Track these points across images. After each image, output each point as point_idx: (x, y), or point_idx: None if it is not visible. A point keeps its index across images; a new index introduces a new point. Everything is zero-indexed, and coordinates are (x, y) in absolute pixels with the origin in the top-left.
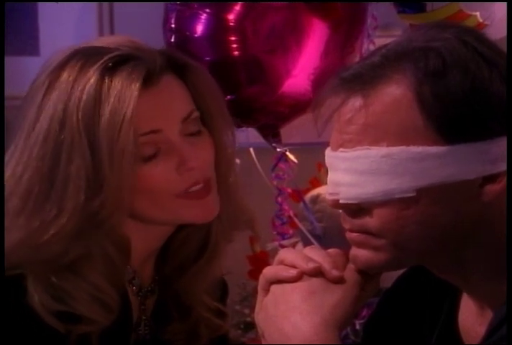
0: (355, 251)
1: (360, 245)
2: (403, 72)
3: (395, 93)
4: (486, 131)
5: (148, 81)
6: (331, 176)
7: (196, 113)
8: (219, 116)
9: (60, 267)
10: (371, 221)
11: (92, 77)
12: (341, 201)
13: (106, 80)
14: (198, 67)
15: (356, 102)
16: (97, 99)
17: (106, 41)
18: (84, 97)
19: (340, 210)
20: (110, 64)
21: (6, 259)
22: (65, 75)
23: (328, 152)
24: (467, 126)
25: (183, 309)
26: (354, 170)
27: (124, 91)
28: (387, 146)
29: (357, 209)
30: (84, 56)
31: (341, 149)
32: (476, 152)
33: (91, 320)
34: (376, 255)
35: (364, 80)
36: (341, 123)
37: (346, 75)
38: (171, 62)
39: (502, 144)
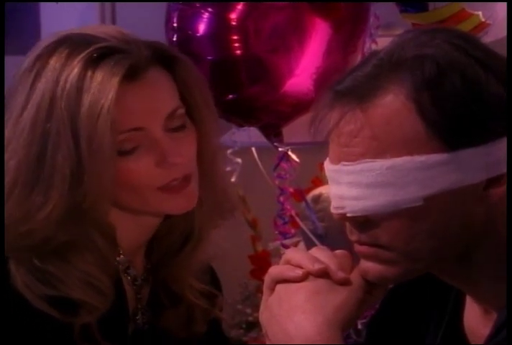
0: (366, 265)
1: (370, 258)
2: (399, 82)
3: (394, 104)
4: (487, 133)
5: (133, 75)
6: (334, 190)
7: (182, 110)
8: (206, 109)
9: (44, 252)
10: (380, 233)
11: (76, 67)
12: (348, 215)
13: (89, 72)
14: (186, 60)
15: (355, 116)
16: (79, 90)
17: (96, 30)
18: (68, 86)
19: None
20: (95, 55)
21: None
22: (52, 63)
23: (328, 165)
24: (468, 130)
25: (174, 296)
26: (359, 183)
27: (104, 84)
28: (391, 157)
29: (364, 221)
30: (72, 44)
31: (343, 163)
32: (479, 155)
33: (87, 305)
34: (388, 269)
35: (360, 93)
36: (342, 138)
37: (341, 89)
38: (159, 55)
39: (503, 145)
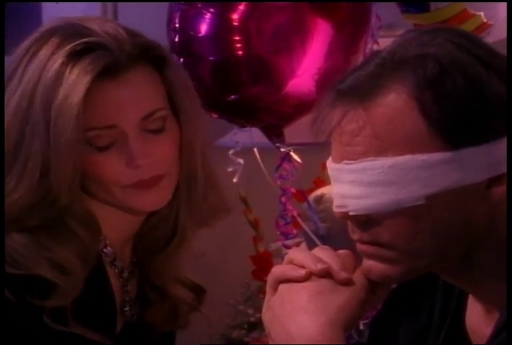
0: (368, 264)
1: (372, 257)
2: (401, 81)
3: (396, 102)
4: (489, 132)
5: (113, 73)
6: (336, 188)
7: (163, 112)
8: (192, 112)
9: (9, 231)
10: (382, 232)
11: (59, 59)
12: (350, 213)
13: (69, 66)
14: (175, 62)
15: (357, 115)
16: (57, 82)
17: (96, 23)
18: (48, 77)
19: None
20: (77, 49)
21: None
22: (43, 50)
23: (330, 164)
24: (470, 129)
25: (158, 290)
26: (361, 182)
27: (77, 80)
28: (393, 156)
29: (366, 220)
30: (65, 33)
31: (345, 161)
32: (481, 154)
33: (55, 286)
34: (390, 267)
35: (362, 91)
36: (344, 136)
37: (343, 88)
38: (148, 55)
39: (505, 144)
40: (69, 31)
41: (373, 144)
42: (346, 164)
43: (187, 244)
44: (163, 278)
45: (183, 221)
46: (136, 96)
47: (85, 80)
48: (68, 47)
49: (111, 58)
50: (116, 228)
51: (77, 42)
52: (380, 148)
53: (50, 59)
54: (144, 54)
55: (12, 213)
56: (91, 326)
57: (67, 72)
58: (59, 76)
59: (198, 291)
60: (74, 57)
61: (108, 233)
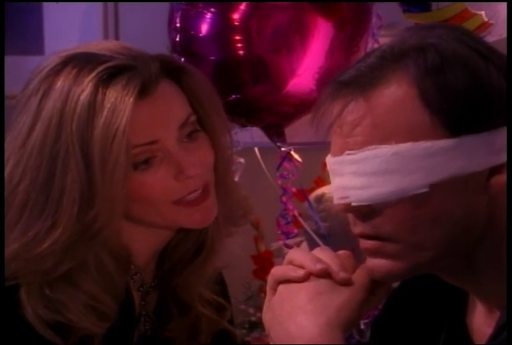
0: (372, 262)
1: (376, 254)
2: (402, 70)
3: (397, 91)
4: (489, 121)
5: (144, 91)
6: (336, 181)
7: (193, 117)
8: (216, 117)
9: (54, 278)
10: (384, 223)
11: (86, 88)
12: (353, 204)
13: (100, 92)
14: (192, 69)
15: (358, 105)
16: (91, 111)
17: (100, 46)
18: (78, 108)
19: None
20: (105, 76)
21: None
22: (59, 83)
23: (330, 159)
24: (470, 117)
25: (182, 305)
26: (364, 172)
27: (117, 104)
28: (396, 143)
29: (369, 211)
30: (79, 63)
31: (347, 152)
32: (482, 143)
33: (87, 330)
34: (395, 264)
35: (363, 82)
36: (344, 128)
37: (343, 79)
38: (166, 67)
39: (504, 134)
40: (82, 61)
41: (374, 133)
42: (348, 154)
43: (215, 255)
44: (191, 291)
45: (212, 232)
46: (169, 108)
47: (126, 103)
48: (92, 75)
49: (142, 77)
50: (143, 246)
51: (100, 69)
52: (383, 136)
53: (72, 90)
54: (163, 67)
55: (55, 253)
56: (109, 337)
57: (100, 99)
58: (91, 105)
59: (220, 308)
60: (103, 83)
61: (135, 252)
